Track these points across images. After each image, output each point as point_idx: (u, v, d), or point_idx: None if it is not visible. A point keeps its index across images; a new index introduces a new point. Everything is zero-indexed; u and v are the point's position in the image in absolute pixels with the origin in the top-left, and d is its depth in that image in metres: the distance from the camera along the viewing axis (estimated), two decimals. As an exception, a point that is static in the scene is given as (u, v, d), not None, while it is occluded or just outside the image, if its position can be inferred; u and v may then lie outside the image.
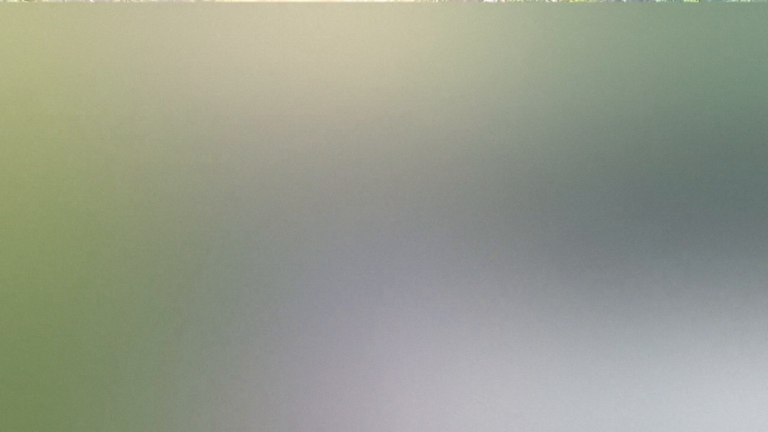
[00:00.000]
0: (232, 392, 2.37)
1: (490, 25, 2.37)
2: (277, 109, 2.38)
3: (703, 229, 2.39)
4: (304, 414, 2.37)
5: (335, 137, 2.38)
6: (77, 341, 2.35)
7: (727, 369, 2.39)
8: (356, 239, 2.37)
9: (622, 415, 2.39)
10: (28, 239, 2.34)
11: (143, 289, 2.36)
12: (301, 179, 2.37)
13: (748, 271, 2.39)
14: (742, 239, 2.39)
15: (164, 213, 2.36)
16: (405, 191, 2.38)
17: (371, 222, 2.37)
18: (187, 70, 2.36)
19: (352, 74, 2.37)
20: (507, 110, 2.37)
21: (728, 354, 2.39)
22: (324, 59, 2.37)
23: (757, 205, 2.38)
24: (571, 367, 2.39)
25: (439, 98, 2.38)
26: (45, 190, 2.35)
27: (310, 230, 2.37)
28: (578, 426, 2.38)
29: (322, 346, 2.38)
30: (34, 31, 2.35)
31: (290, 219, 2.37)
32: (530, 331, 2.38)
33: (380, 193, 2.37)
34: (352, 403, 2.38)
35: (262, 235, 2.37)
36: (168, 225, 2.36)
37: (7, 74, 2.35)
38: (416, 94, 2.38)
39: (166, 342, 2.36)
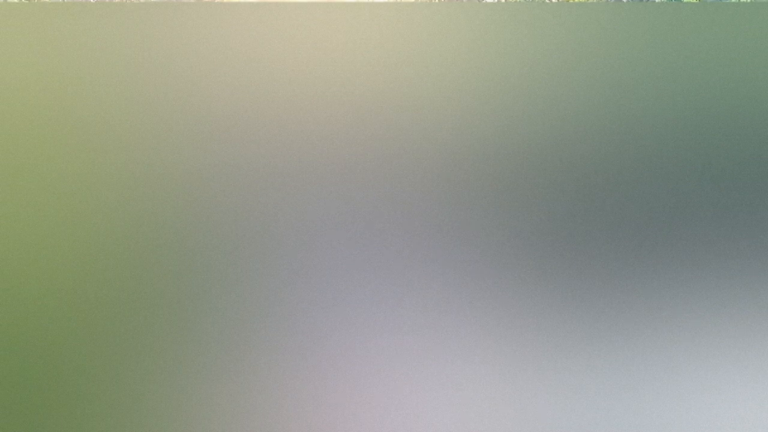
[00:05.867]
0: (233, 392, 2.37)
1: (490, 25, 2.37)
2: (276, 108, 2.38)
3: (702, 229, 2.39)
4: (306, 414, 2.37)
5: (335, 136, 2.38)
6: (78, 341, 2.35)
7: (728, 368, 2.39)
8: (356, 239, 2.37)
9: (623, 414, 2.39)
10: (28, 239, 2.34)
11: (143, 290, 2.36)
12: (301, 178, 2.37)
13: (748, 271, 2.39)
14: (742, 238, 2.39)
15: (164, 212, 2.36)
16: (404, 191, 2.38)
17: (371, 222, 2.37)
18: (187, 70, 2.36)
19: (352, 74, 2.37)
20: (507, 109, 2.37)
21: (728, 354, 2.40)
22: (324, 59, 2.37)
23: (757, 205, 2.38)
24: (571, 368, 2.39)
25: (438, 97, 2.38)
26: (45, 189, 2.35)
27: (309, 230, 2.37)
28: (578, 426, 2.38)
29: (323, 346, 2.38)
30: (34, 31, 2.35)
31: (290, 218, 2.37)
32: (530, 331, 2.38)
33: (379, 193, 2.37)
34: (352, 402, 2.38)
35: (263, 235, 2.37)
36: (168, 224, 2.36)
37: (7, 74, 2.35)
38: (416, 93, 2.38)
39: (167, 342, 2.36)
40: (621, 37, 2.37)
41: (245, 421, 2.36)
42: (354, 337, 2.38)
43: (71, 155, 2.35)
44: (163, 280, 2.36)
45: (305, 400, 2.37)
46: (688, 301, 2.39)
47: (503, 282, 2.38)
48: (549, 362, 2.38)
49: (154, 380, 2.36)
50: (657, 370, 2.39)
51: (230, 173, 2.37)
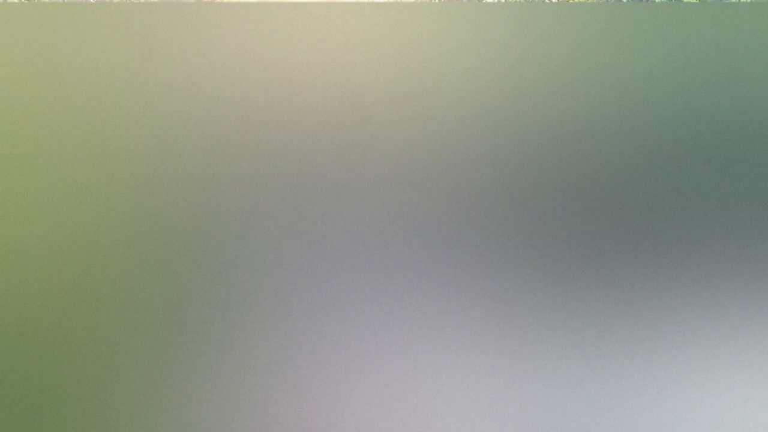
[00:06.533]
0: (232, 392, 2.37)
1: (490, 25, 2.37)
2: (276, 108, 2.38)
3: (702, 230, 2.39)
4: (306, 414, 2.38)
5: (335, 136, 2.38)
6: (77, 342, 2.36)
7: (728, 368, 2.40)
8: (356, 239, 2.37)
9: (623, 414, 2.39)
10: (29, 239, 2.34)
11: (142, 289, 2.36)
12: (300, 178, 2.37)
13: (749, 271, 2.39)
14: (742, 239, 2.39)
15: (164, 212, 2.36)
16: (404, 190, 2.38)
17: (371, 222, 2.37)
18: (187, 70, 2.37)
19: (352, 74, 2.37)
20: (507, 109, 2.37)
21: (728, 354, 2.40)
22: (324, 59, 2.37)
23: (757, 206, 2.38)
24: (571, 368, 2.39)
25: (438, 97, 2.38)
26: (46, 189, 2.35)
27: (309, 229, 2.37)
28: (578, 426, 2.38)
29: (322, 346, 2.38)
30: (34, 31, 2.35)
31: (290, 218, 2.37)
32: (530, 331, 2.38)
33: (379, 192, 2.37)
34: (352, 402, 2.38)
35: (263, 235, 2.37)
36: (168, 224, 2.36)
37: (7, 74, 2.35)
38: (416, 93, 2.38)
39: (167, 342, 2.36)
40: (621, 37, 2.37)
41: (245, 421, 2.37)
42: (354, 337, 2.38)
43: (71, 155, 2.35)
44: (162, 280, 2.36)
45: (305, 400, 2.37)
46: (688, 300, 2.39)
47: (504, 282, 2.38)
48: (549, 362, 2.38)
49: (154, 380, 2.36)
50: (658, 370, 2.39)
51: (230, 173, 2.37)
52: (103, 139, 2.36)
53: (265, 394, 2.37)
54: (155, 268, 2.36)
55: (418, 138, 2.38)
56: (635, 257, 2.39)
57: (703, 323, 2.39)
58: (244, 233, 2.37)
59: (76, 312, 2.35)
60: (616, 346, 2.38)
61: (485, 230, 2.37)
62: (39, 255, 2.34)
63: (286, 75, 2.37)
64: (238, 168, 2.37)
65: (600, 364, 2.38)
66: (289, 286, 2.37)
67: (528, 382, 2.38)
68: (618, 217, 2.38)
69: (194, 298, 2.36)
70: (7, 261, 2.34)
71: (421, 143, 2.37)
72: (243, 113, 2.37)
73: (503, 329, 2.38)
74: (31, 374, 2.35)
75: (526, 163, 2.38)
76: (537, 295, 2.38)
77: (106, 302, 2.36)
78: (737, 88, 2.38)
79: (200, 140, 2.36)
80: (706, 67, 2.38)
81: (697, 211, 2.38)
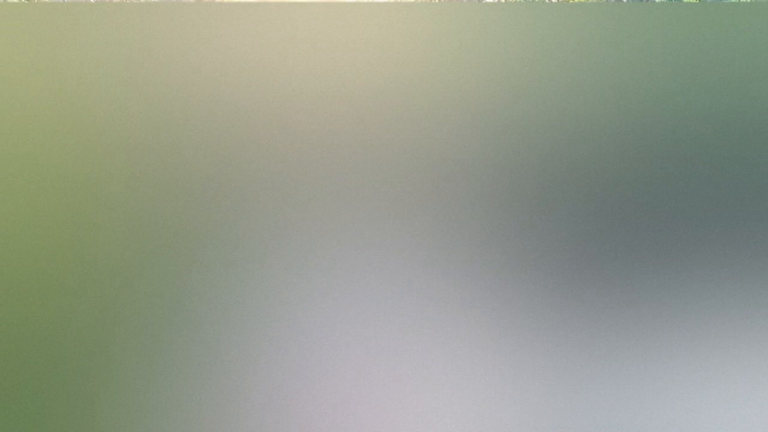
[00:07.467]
0: (233, 392, 2.37)
1: (490, 25, 2.37)
2: (276, 109, 2.38)
3: (702, 230, 2.39)
4: (306, 414, 2.37)
5: (335, 136, 2.38)
6: (77, 342, 2.36)
7: (728, 368, 2.39)
8: (356, 239, 2.37)
9: (623, 414, 2.39)
10: (29, 239, 2.34)
11: (143, 289, 2.36)
12: (300, 178, 2.37)
13: (749, 271, 2.39)
14: (742, 240, 2.39)
15: (164, 212, 2.36)
16: (404, 190, 2.38)
17: (371, 222, 2.37)
18: (187, 70, 2.37)
19: (351, 74, 2.37)
20: (506, 110, 2.37)
21: (728, 354, 2.40)
22: (324, 59, 2.37)
23: (757, 205, 2.38)
24: (571, 368, 2.39)
25: (438, 98, 2.38)
26: (46, 189, 2.35)
27: (309, 230, 2.37)
28: (578, 425, 2.38)
29: (322, 346, 2.38)
30: (34, 31, 2.35)
31: (290, 218, 2.37)
32: (530, 331, 2.38)
33: (379, 193, 2.37)
34: (352, 402, 2.38)
35: (263, 235, 2.37)
36: (168, 224, 2.36)
37: (7, 74, 2.35)
38: (416, 93, 2.38)
39: (163, 342, 2.36)
40: (621, 37, 2.38)
41: (245, 421, 2.37)
42: (354, 337, 2.38)
43: (71, 155, 2.35)
44: (162, 280, 2.36)
45: (305, 400, 2.37)
46: (688, 300, 2.39)
47: (504, 282, 2.38)
48: (549, 362, 2.38)
49: (154, 380, 2.36)
50: (657, 370, 2.39)
51: (229, 172, 2.37)
52: (102, 139, 2.36)
53: (265, 394, 2.37)
54: (154, 268, 2.36)
55: (418, 138, 2.38)
56: (635, 257, 2.39)
57: (703, 323, 2.39)
58: (244, 233, 2.37)
59: (75, 311, 2.35)
60: (616, 346, 2.38)
61: (485, 230, 2.37)
62: (39, 254, 2.34)
63: (286, 75, 2.37)
64: (237, 168, 2.37)
65: (600, 364, 2.38)
66: (288, 286, 2.37)
67: (528, 382, 2.38)
68: (618, 217, 2.38)
69: (193, 297, 2.36)
70: (7, 261, 2.34)
71: (420, 143, 2.37)
72: (243, 113, 2.37)
73: (503, 329, 2.38)
74: (30, 374, 2.35)
75: (527, 162, 2.38)
76: (537, 295, 2.38)
77: (106, 302, 2.36)
78: (737, 88, 2.38)
79: (200, 140, 2.36)
80: (706, 67, 2.38)
81: (697, 211, 2.38)
